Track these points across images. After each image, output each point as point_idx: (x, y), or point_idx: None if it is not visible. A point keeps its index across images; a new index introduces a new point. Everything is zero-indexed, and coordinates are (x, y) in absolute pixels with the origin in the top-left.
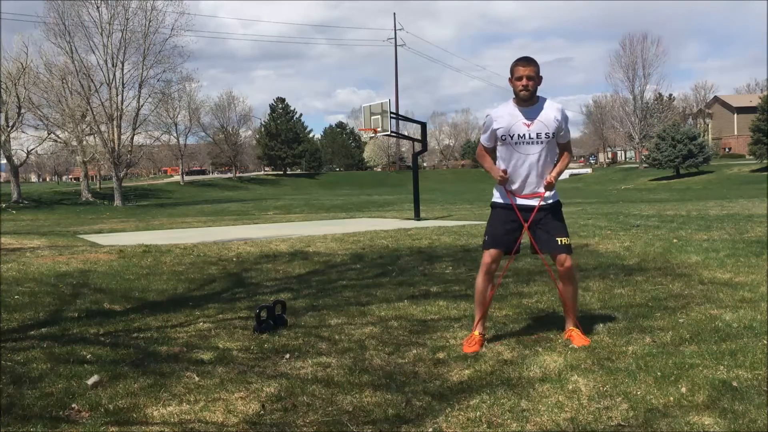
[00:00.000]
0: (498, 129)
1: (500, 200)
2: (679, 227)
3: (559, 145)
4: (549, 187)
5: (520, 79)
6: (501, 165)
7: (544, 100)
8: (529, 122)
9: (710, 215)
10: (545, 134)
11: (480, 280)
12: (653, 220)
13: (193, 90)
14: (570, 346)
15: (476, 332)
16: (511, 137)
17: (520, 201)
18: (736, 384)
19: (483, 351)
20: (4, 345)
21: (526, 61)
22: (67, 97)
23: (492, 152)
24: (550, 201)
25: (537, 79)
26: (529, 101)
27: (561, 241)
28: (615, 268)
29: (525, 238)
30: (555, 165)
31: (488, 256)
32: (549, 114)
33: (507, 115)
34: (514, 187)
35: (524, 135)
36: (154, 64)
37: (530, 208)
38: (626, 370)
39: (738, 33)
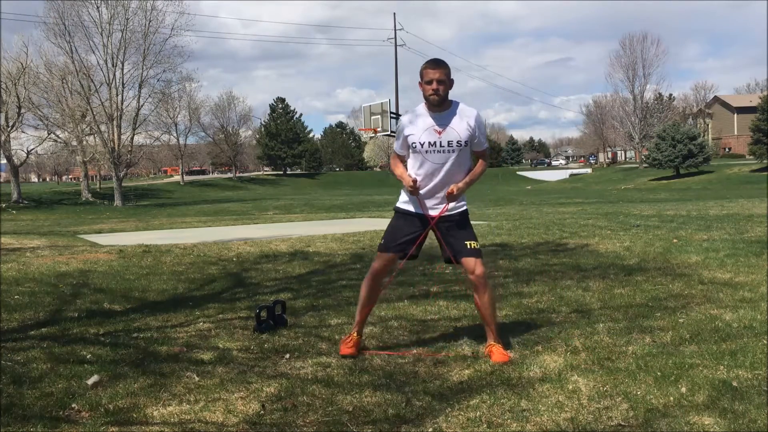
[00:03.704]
0: (409, 136)
1: (405, 206)
2: (679, 227)
3: (475, 153)
4: (450, 197)
5: (429, 83)
6: (411, 173)
7: (458, 104)
8: (441, 129)
9: (710, 215)
10: (457, 142)
11: (366, 282)
12: (653, 220)
13: (193, 90)
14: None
15: (354, 333)
16: (422, 145)
17: (429, 211)
18: (736, 384)
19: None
20: (4, 345)
21: (436, 63)
22: (67, 97)
23: (405, 159)
24: (455, 210)
25: (448, 82)
26: (440, 106)
27: (470, 245)
28: (615, 268)
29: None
30: (468, 173)
31: (380, 260)
32: (462, 121)
33: (419, 122)
34: (424, 196)
35: (435, 143)
36: (154, 64)
37: (437, 218)
38: (626, 370)
39: (738, 33)
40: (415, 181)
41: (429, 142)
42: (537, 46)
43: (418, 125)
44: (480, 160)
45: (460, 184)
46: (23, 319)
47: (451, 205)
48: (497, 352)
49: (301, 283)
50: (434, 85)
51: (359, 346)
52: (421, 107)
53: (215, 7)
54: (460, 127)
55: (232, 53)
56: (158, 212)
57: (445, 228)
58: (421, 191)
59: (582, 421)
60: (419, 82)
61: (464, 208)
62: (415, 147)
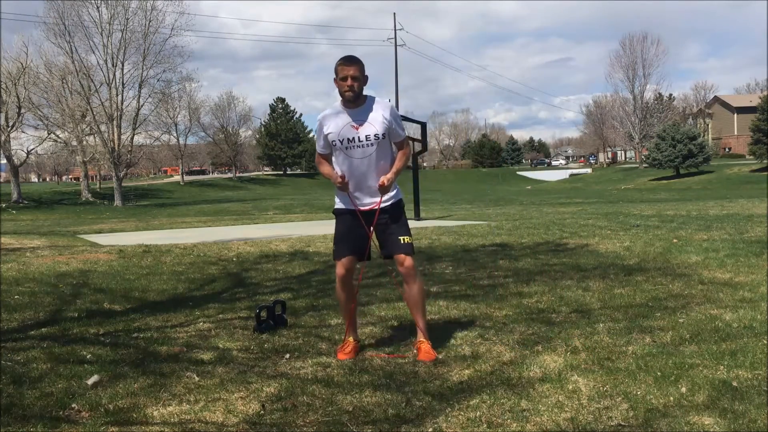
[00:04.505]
0: (329, 134)
1: (342, 206)
2: (679, 227)
3: (395, 143)
4: (382, 189)
5: (344, 79)
6: (337, 170)
7: (373, 99)
8: (358, 125)
9: (710, 215)
10: (375, 135)
11: (339, 290)
12: (653, 220)
13: (193, 90)
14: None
15: (350, 338)
16: (341, 142)
17: (361, 207)
18: (736, 384)
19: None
20: (4, 345)
21: (350, 60)
22: (67, 97)
23: (329, 158)
24: (390, 202)
25: (362, 78)
26: (355, 102)
27: (403, 239)
28: (615, 268)
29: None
30: (392, 164)
31: (341, 266)
32: (377, 114)
33: (336, 119)
34: (354, 192)
35: (354, 138)
36: (154, 64)
37: (372, 212)
38: (626, 370)
39: (738, 33)
40: (343, 176)
41: (348, 139)
42: (537, 46)
43: (336, 123)
44: (400, 151)
45: (390, 175)
46: (23, 319)
47: (385, 197)
48: (424, 350)
49: (301, 283)
50: (349, 82)
51: (357, 350)
52: (337, 105)
53: (215, 7)
54: (376, 120)
55: (232, 53)
56: (158, 212)
57: (380, 221)
58: (350, 187)
59: (582, 421)
60: (334, 79)
61: (398, 198)
62: (335, 145)
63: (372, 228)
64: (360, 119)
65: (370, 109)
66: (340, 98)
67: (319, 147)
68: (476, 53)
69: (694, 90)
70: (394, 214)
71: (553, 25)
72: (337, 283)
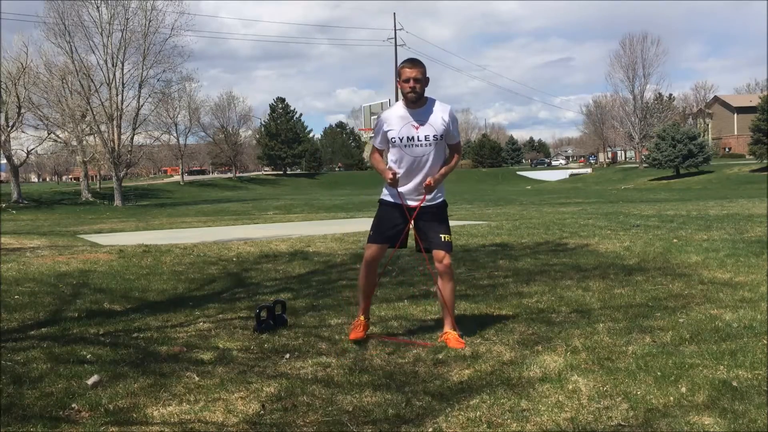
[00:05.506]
0: (389, 131)
1: (388, 198)
2: (679, 227)
3: (449, 146)
4: (428, 189)
5: (407, 81)
6: (392, 166)
7: (434, 101)
8: (418, 125)
9: (710, 215)
10: (434, 136)
11: (363, 273)
12: (653, 220)
13: (193, 90)
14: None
15: (362, 317)
16: (401, 140)
17: (408, 201)
18: (736, 384)
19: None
20: (4, 345)
21: (413, 62)
22: (67, 97)
23: (383, 154)
24: (435, 202)
25: (424, 80)
26: (417, 103)
27: (443, 237)
28: (615, 268)
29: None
30: (443, 166)
31: (371, 249)
32: (437, 116)
33: (397, 118)
34: (404, 187)
35: (413, 137)
36: (154, 64)
37: (416, 208)
38: (626, 370)
39: (738, 33)
40: (394, 174)
41: (408, 137)
42: (537, 46)
43: (397, 121)
44: (454, 153)
45: (436, 176)
46: (23, 319)
47: (429, 196)
48: (453, 339)
49: (301, 283)
50: (411, 83)
51: (367, 329)
52: (399, 104)
53: (215, 7)
54: (436, 122)
55: (232, 53)
56: (158, 212)
57: (424, 218)
58: (401, 183)
59: (582, 421)
60: (397, 80)
61: (442, 200)
62: (395, 142)
63: (411, 221)
64: (421, 119)
65: (431, 111)
66: (402, 98)
67: (377, 143)
68: (476, 53)
69: (694, 90)
70: (439, 213)
71: (553, 25)
72: (363, 266)
